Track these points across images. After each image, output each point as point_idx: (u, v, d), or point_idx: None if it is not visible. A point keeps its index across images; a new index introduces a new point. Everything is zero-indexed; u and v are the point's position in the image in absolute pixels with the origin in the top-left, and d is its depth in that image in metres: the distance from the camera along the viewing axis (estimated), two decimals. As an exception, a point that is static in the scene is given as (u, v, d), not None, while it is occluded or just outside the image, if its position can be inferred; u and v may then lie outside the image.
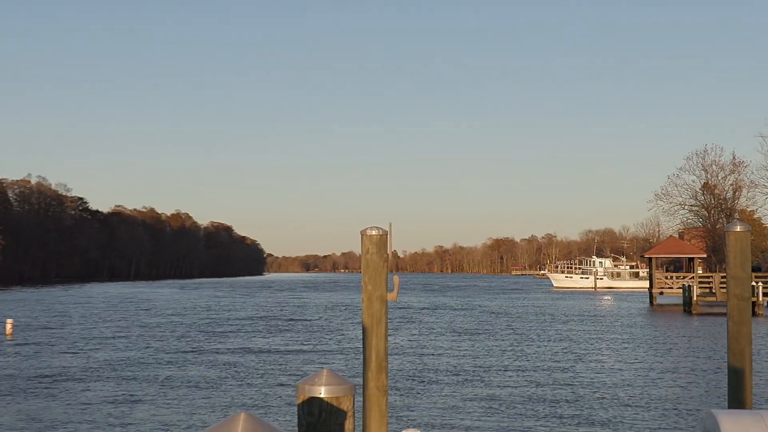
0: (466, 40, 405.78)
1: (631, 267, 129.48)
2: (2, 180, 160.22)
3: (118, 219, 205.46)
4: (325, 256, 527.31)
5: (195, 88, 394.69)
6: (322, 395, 4.75)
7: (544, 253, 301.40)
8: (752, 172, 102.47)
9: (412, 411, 19.33)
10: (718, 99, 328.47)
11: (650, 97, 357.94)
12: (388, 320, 9.17)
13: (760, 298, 55.35)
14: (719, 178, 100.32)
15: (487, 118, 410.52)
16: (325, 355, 31.33)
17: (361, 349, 9.19)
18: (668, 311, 61.14)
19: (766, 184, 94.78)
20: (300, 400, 4.79)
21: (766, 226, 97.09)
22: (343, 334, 40.07)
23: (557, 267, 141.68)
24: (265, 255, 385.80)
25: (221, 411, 19.46)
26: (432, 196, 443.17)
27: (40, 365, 27.93)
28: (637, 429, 17.48)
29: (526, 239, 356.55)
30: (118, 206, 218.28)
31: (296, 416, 4.87)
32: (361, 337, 9.19)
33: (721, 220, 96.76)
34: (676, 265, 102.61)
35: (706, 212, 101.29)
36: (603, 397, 21.28)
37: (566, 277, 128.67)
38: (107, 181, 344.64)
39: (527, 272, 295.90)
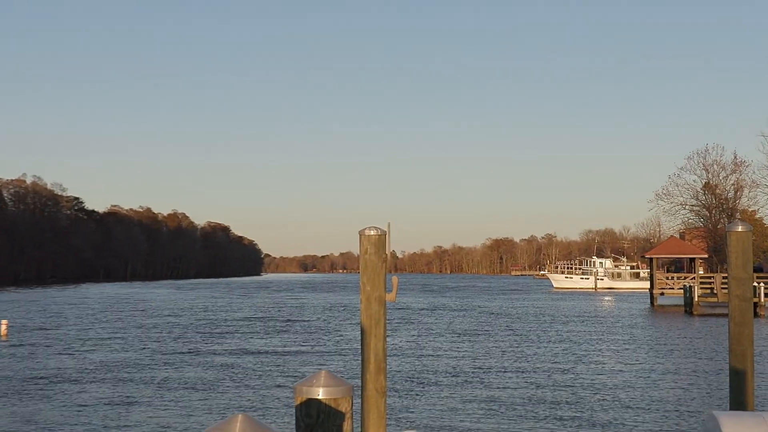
0: (466, 40, 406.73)
1: (632, 267, 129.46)
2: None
3: (114, 219, 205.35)
4: (323, 257, 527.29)
5: (193, 88, 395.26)
6: (320, 397, 4.75)
7: (544, 253, 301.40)
8: (754, 172, 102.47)
9: (411, 413, 19.33)
10: (720, 98, 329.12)
11: (651, 97, 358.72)
12: (387, 321, 9.17)
13: (762, 299, 55.35)
14: (720, 177, 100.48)
15: (486, 118, 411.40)
16: (323, 356, 31.33)
17: (360, 350, 9.19)
18: (669, 312, 61.15)
19: (767, 183, 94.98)
20: (298, 402, 4.79)
21: (767, 226, 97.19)
22: (341, 335, 40.06)
23: (557, 267, 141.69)
24: (262, 255, 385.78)
25: (218, 413, 19.46)
26: (431, 196, 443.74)
27: (35, 367, 27.91)
28: (638, 431, 17.49)
29: (525, 239, 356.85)
30: (114, 206, 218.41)
31: (294, 418, 4.86)
32: (360, 338, 9.19)
33: (722, 220, 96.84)
34: (677, 266, 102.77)
35: (707, 212, 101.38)
36: (603, 399, 21.28)
37: (566, 277, 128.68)
38: (103, 180, 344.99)
39: (527, 273, 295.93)
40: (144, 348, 34.13)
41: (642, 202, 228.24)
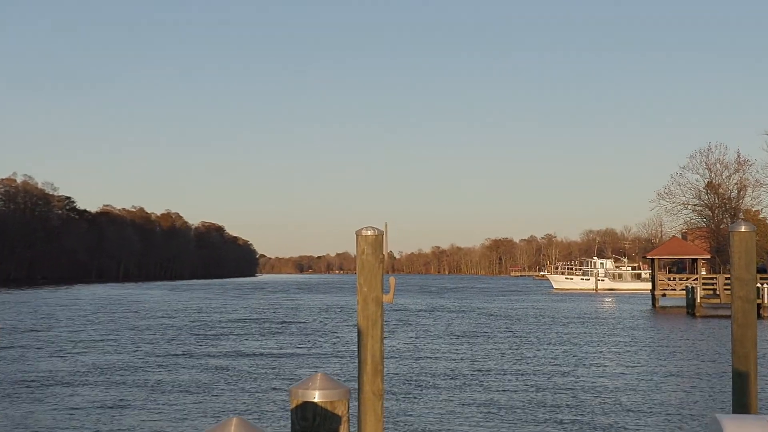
0: (466, 39, 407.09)
1: (633, 268, 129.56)
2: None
3: (106, 219, 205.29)
4: (319, 257, 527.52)
5: (187, 87, 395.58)
6: (316, 400, 4.75)
7: (544, 254, 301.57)
8: (757, 171, 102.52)
9: (409, 416, 19.33)
10: (723, 96, 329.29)
11: (653, 95, 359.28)
12: (384, 323, 9.17)
13: (766, 301, 55.41)
14: (723, 177, 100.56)
15: (486, 118, 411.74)
16: (320, 358, 31.32)
17: (356, 353, 9.19)
18: (671, 313, 61.20)
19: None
20: (293, 405, 4.79)
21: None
22: (337, 337, 40.06)
23: (557, 268, 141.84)
24: (257, 256, 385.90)
25: (213, 416, 19.45)
26: (429, 196, 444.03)
27: (26, 369, 27.88)
28: (640, 434, 17.51)
29: (525, 240, 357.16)
30: (107, 206, 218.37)
31: (290, 421, 4.86)
32: (356, 339, 9.19)
33: (725, 220, 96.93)
34: (679, 266, 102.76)
35: (709, 212, 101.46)
36: (604, 402, 21.30)
37: (566, 278, 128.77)
38: (95, 180, 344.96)
39: (526, 273, 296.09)
40: (137, 350, 34.11)
41: (643, 201, 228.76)
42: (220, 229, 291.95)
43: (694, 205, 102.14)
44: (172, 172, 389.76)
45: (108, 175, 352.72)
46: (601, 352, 33.92)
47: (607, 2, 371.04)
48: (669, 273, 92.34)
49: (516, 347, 35.40)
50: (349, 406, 4.87)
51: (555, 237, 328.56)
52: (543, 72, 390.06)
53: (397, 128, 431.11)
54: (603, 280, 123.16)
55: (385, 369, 10.10)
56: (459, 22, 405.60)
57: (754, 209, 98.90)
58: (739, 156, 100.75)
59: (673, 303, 67.40)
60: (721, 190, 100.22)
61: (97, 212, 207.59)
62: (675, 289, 67.74)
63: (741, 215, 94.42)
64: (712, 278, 64.30)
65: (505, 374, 26.62)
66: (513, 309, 67.67)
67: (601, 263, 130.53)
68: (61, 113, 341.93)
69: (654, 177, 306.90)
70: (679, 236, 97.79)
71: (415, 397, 21.97)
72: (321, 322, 51.36)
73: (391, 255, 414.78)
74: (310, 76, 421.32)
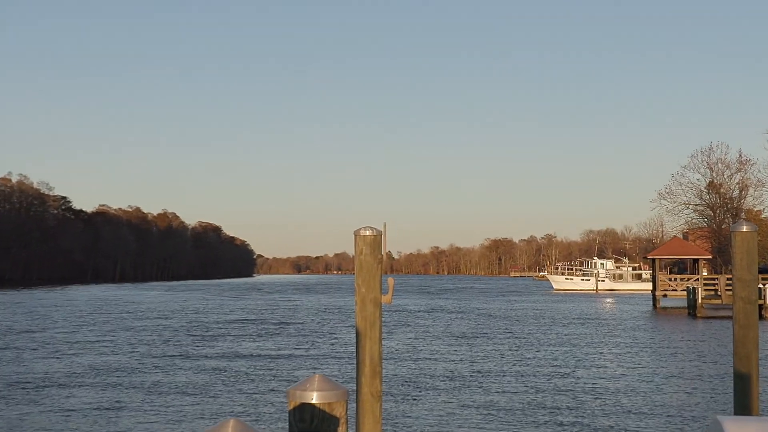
0: (465, 38, 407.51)
1: (634, 268, 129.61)
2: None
3: (102, 219, 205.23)
4: (317, 258, 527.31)
5: (187, 87, 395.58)
6: (314, 401, 4.75)
7: (544, 254, 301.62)
8: (759, 171, 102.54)
9: (407, 417, 19.33)
10: (723, 96, 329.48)
11: (654, 95, 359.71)
12: (383, 324, 9.17)
13: (767, 301, 55.43)
14: (725, 176, 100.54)
15: (486, 118, 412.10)
16: (317, 359, 31.32)
17: (355, 354, 9.19)
18: (672, 314, 61.23)
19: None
20: (291, 407, 4.79)
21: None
22: (335, 338, 40.07)
23: (557, 268, 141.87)
24: (254, 256, 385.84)
25: (210, 418, 19.44)
26: (428, 196, 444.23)
27: (21, 371, 27.86)
28: (640, 436, 17.52)
29: (525, 240, 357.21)
30: (103, 206, 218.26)
31: (287, 423, 4.86)
32: (355, 341, 9.19)
33: (726, 220, 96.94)
34: (680, 267, 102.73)
35: (711, 212, 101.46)
36: (605, 404, 21.30)
37: (566, 279, 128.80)
38: (91, 179, 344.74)
39: (526, 274, 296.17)
40: (133, 351, 34.10)
41: (644, 201, 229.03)
42: (217, 229, 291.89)
43: (696, 204, 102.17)
44: (169, 171, 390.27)
45: (105, 175, 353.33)
46: (601, 353, 33.94)
47: (607, 2, 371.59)
48: (670, 273, 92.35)
49: (516, 348, 35.41)
50: (347, 408, 4.87)
51: (555, 237, 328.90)
52: (543, 72, 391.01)
53: (397, 128, 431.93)
54: (603, 281, 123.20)
55: (384, 370, 10.11)
56: (459, 22, 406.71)
57: (755, 209, 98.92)
58: (740, 155, 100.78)
59: (674, 304, 67.42)
60: (722, 190, 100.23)
61: (93, 212, 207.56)
62: (676, 290, 67.75)
63: (743, 215, 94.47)
64: (713, 279, 64.32)
65: (504, 376, 26.63)
66: (513, 310, 67.69)
67: (601, 264, 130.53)
68: (56, 113, 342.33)
69: (654, 177, 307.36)
70: (680, 236, 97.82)
71: (414, 399, 21.97)
72: (319, 323, 51.36)
73: (389, 255, 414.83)
74: (310, 76, 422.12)
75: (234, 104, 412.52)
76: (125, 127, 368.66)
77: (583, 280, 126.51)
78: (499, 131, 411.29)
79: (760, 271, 66.23)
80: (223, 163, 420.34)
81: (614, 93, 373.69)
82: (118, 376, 26.43)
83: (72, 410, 20.41)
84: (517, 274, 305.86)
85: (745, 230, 10.09)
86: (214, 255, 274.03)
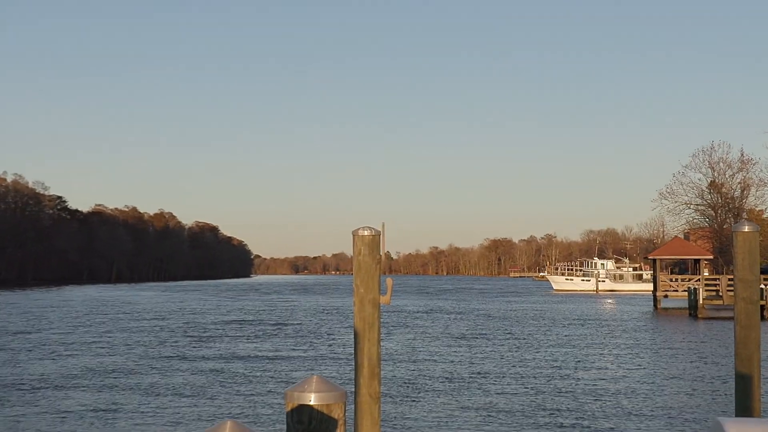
0: (465, 38, 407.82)
1: (635, 269, 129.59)
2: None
3: (98, 219, 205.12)
4: (315, 258, 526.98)
5: (187, 87, 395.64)
6: (311, 403, 4.74)
7: (544, 254, 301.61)
8: (761, 170, 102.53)
9: (406, 419, 19.34)
10: (724, 96, 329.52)
11: (653, 96, 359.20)
12: (381, 324, 9.17)
13: (769, 302, 55.36)
14: (727, 176, 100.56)
15: (486, 118, 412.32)
16: (315, 360, 31.33)
17: (353, 355, 9.19)
18: (673, 315, 61.25)
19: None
20: (289, 408, 4.79)
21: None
22: (333, 339, 40.07)
23: (557, 269, 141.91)
24: (252, 256, 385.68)
25: (207, 419, 19.45)
26: (427, 196, 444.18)
27: (16, 372, 27.85)
28: (641, 438, 17.53)
29: (524, 240, 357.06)
30: (99, 205, 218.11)
31: (285, 425, 4.86)
32: (353, 342, 9.19)
33: (728, 220, 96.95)
34: (681, 267, 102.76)
35: (712, 212, 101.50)
36: (605, 405, 21.32)
37: (567, 279, 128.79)
38: (87, 179, 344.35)
39: (526, 274, 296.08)
40: (130, 352, 34.10)
41: (645, 201, 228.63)
42: (214, 229, 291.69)
43: (697, 204, 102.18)
44: (166, 171, 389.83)
45: (100, 175, 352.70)
46: (601, 354, 33.95)
47: (607, 2, 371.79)
48: (671, 274, 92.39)
49: (515, 349, 35.42)
50: (345, 410, 4.87)
51: (555, 237, 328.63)
52: (543, 72, 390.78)
53: (397, 128, 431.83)
54: (604, 281, 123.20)
55: (382, 372, 10.11)
56: (459, 22, 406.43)
57: (757, 209, 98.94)
58: (742, 155, 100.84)
59: (675, 304, 67.45)
60: (724, 190, 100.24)
61: (88, 212, 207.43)
62: (677, 291, 67.77)
63: (744, 215, 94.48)
64: (714, 279, 64.34)
65: (504, 377, 26.64)
66: (512, 310, 67.70)
67: (601, 264, 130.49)
68: (51, 112, 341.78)
69: (655, 176, 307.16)
70: (682, 236, 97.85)
71: (413, 401, 21.98)
72: (317, 324, 51.37)
73: (388, 255, 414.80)
74: (310, 76, 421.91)
75: (234, 104, 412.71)
76: (125, 127, 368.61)
77: (583, 280, 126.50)
78: (499, 131, 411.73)
79: (762, 272, 66.27)
80: (222, 163, 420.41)
81: (614, 93, 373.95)
82: (114, 378, 26.43)
83: (68, 412, 20.41)
84: (517, 275, 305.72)
85: (746, 230, 10.09)
86: (211, 255, 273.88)
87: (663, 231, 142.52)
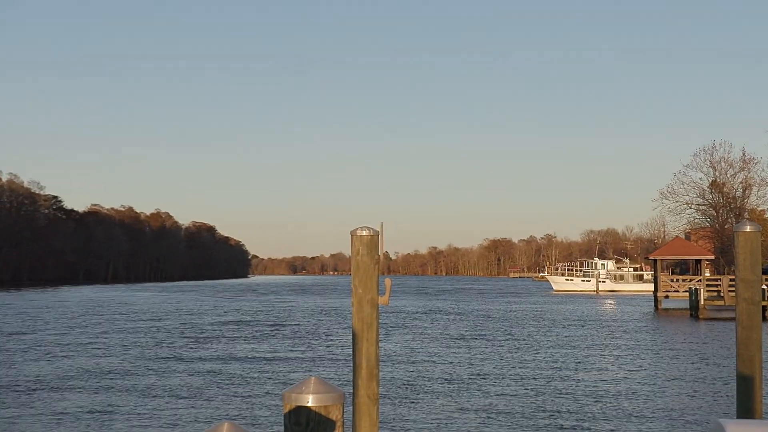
0: (464, 38, 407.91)
1: (635, 269, 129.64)
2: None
3: (94, 219, 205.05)
4: (313, 258, 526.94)
5: (187, 87, 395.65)
6: (309, 404, 4.74)
7: (544, 254, 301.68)
8: (763, 170, 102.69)
9: (405, 421, 19.34)
10: (724, 96, 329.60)
11: (653, 96, 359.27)
12: (380, 325, 9.16)
13: (771, 302, 55.38)
14: (728, 175, 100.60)
15: (486, 118, 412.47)
16: (313, 361, 31.33)
17: (351, 356, 9.19)
18: (674, 316, 61.27)
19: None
20: (286, 410, 4.78)
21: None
22: (332, 340, 40.07)
23: (557, 269, 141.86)
24: (249, 256, 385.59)
25: (204, 421, 19.44)
26: (426, 195, 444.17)
27: (11, 373, 27.84)
28: (642, 439, 17.54)
29: (524, 240, 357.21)
30: (95, 205, 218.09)
31: (283, 426, 4.86)
32: (351, 343, 9.18)
33: (730, 220, 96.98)
34: (682, 267, 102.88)
35: (714, 211, 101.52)
36: (606, 407, 21.32)
37: (567, 279, 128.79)
38: (83, 179, 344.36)
39: (526, 275, 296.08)
40: (126, 353, 34.08)
41: (646, 201, 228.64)
42: (211, 229, 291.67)
43: (698, 204, 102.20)
44: (162, 170, 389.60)
45: (96, 174, 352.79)
46: (602, 355, 33.96)
47: (607, 2, 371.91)
48: (672, 274, 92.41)
49: (515, 350, 35.42)
50: (343, 411, 4.86)
51: (555, 237, 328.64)
52: (543, 72, 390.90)
53: (396, 128, 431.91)
54: (604, 282, 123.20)
55: (381, 373, 10.10)
56: (459, 22, 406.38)
57: (759, 209, 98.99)
58: (744, 154, 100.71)
59: (675, 305, 67.45)
60: (725, 189, 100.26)
61: (84, 212, 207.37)
62: (678, 291, 67.79)
63: (746, 215, 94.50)
64: (716, 279, 64.36)
65: (503, 378, 26.64)
66: (512, 311, 67.71)
67: (602, 264, 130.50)
68: (47, 111, 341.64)
69: (655, 176, 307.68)
70: (683, 236, 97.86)
71: (412, 402, 21.98)
72: (315, 324, 51.36)
73: (386, 256, 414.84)
74: (310, 76, 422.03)
75: (234, 104, 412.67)
76: (125, 127, 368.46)
77: (583, 281, 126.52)
78: (499, 131, 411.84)
79: (764, 272, 66.32)
80: (220, 163, 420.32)
81: (614, 93, 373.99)
82: (110, 379, 26.41)
83: (64, 413, 20.40)
84: (517, 275, 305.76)
85: (748, 230, 10.09)
86: (208, 255, 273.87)
87: (664, 231, 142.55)
